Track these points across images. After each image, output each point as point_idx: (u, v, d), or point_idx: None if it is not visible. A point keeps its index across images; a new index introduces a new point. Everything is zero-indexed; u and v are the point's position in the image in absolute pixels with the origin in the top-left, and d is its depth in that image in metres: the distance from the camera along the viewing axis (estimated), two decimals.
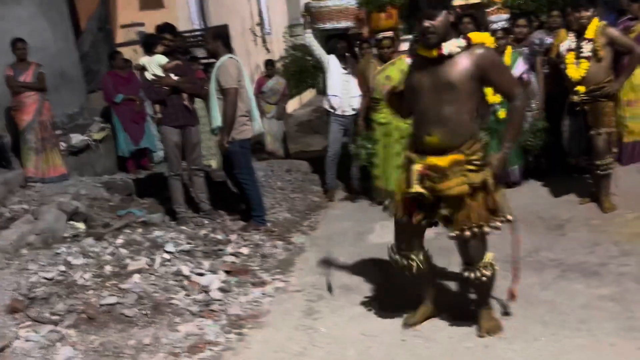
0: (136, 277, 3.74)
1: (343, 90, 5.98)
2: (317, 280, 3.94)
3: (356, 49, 6.77)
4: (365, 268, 4.05)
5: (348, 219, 5.39)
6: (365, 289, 3.70)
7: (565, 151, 4.91)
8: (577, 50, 4.55)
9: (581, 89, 4.56)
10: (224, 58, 4.94)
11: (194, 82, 5.13)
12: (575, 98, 4.61)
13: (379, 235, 4.81)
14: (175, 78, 5.07)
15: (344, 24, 6.00)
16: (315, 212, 5.79)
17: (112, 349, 3.05)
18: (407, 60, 5.76)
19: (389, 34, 5.56)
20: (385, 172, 5.55)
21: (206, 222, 5.23)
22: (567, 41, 4.67)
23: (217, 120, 4.93)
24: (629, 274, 3.45)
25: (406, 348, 2.90)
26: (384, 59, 5.55)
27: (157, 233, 4.60)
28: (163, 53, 5.17)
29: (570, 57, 4.59)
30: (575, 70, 4.56)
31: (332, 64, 5.98)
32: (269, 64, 8.81)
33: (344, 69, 6.00)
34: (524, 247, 3.90)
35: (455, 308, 3.19)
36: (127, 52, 8.17)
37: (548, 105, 5.29)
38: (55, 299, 3.55)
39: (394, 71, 5.46)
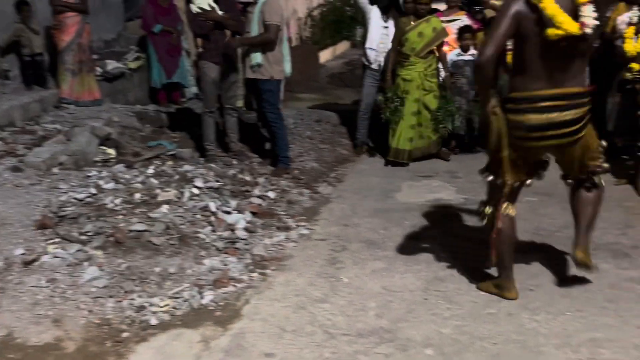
0: (165, 208, 3.76)
1: (380, 44, 5.82)
2: (341, 231, 3.94)
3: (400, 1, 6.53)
4: (389, 225, 4.03)
5: (375, 175, 5.35)
6: (388, 245, 3.69)
7: (608, 130, 4.78)
8: (639, 24, 4.37)
9: (635, 66, 4.39)
10: None
11: (238, 20, 5.03)
12: (628, 75, 4.45)
13: (406, 194, 4.78)
14: (220, 13, 4.97)
15: None
16: (343, 165, 5.75)
17: (138, 274, 3.10)
18: (441, 19, 5.66)
19: None
20: (400, 130, 5.54)
21: (235, 162, 5.23)
22: (628, 14, 4.48)
23: (257, 58, 4.89)
24: None
25: (427, 307, 2.90)
26: (419, 15, 5.43)
27: (186, 167, 4.59)
28: None
29: (629, 31, 4.41)
30: (632, 46, 4.38)
31: (374, 16, 5.79)
32: None
33: (385, 21, 5.82)
34: (555, 222, 3.89)
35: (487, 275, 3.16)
36: None
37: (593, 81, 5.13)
38: (85, 220, 3.60)
39: (428, 29, 5.42)
